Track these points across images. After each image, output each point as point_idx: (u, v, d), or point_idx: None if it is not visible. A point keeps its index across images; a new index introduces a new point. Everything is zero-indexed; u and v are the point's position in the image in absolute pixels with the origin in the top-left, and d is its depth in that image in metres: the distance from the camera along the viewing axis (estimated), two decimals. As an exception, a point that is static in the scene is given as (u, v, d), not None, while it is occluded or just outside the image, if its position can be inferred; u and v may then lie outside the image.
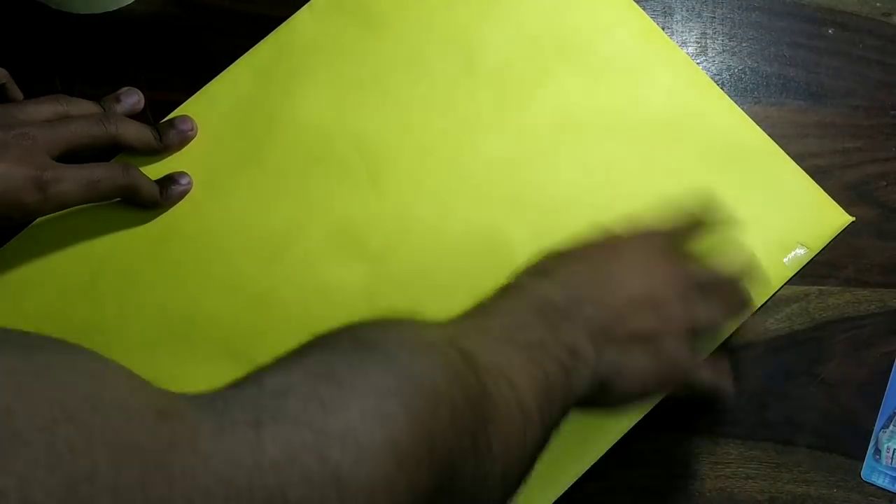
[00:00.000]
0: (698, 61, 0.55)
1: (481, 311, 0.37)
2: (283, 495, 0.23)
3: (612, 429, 0.47)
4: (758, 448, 0.49)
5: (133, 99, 0.50)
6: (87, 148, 0.46)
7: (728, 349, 0.50)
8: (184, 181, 0.50)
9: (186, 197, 0.50)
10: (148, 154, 0.50)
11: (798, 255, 0.50)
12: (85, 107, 0.48)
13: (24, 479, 0.18)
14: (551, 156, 0.51)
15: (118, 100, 0.50)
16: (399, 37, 0.53)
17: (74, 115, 0.46)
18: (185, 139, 0.50)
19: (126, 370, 0.23)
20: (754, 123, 0.52)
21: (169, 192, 0.49)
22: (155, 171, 0.50)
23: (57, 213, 0.46)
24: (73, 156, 0.45)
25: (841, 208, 0.52)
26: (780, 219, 0.51)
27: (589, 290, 0.39)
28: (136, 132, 0.48)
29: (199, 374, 0.47)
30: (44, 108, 0.46)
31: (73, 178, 0.44)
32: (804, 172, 0.52)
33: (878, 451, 0.49)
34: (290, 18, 0.53)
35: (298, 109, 0.51)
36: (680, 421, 0.50)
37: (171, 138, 0.50)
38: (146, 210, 0.49)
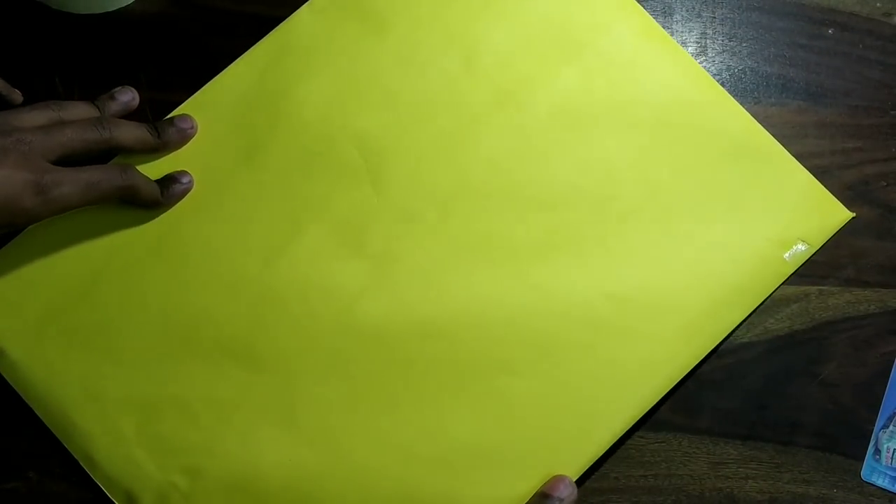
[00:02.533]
0: (698, 61, 0.55)
1: None
2: None
3: (612, 427, 0.48)
4: (758, 448, 0.50)
5: (127, 97, 0.50)
6: (84, 152, 0.46)
7: (728, 349, 0.51)
8: (185, 180, 0.50)
9: (186, 196, 0.50)
10: (147, 153, 0.50)
11: (799, 251, 0.51)
12: (79, 110, 0.47)
13: None
14: (552, 153, 0.51)
15: (113, 98, 0.50)
16: (399, 35, 0.53)
17: (69, 120, 0.46)
18: (185, 137, 0.50)
19: None
20: (753, 119, 0.52)
21: (171, 191, 0.49)
22: (155, 170, 0.50)
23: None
24: (71, 160, 0.45)
25: (841, 204, 0.52)
26: (780, 215, 0.51)
27: None
28: (131, 133, 0.48)
29: (200, 374, 0.48)
30: (38, 115, 0.45)
31: (73, 180, 0.44)
32: (804, 168, 0.52)
33: (878, 451, 0.50)
34: (289, 18, 0.53)
35: (298, 108, 0.51)
36: (680, 421, 0.50)
37: (170, 136, 0.50)
38: (148, 210, 0.49)
